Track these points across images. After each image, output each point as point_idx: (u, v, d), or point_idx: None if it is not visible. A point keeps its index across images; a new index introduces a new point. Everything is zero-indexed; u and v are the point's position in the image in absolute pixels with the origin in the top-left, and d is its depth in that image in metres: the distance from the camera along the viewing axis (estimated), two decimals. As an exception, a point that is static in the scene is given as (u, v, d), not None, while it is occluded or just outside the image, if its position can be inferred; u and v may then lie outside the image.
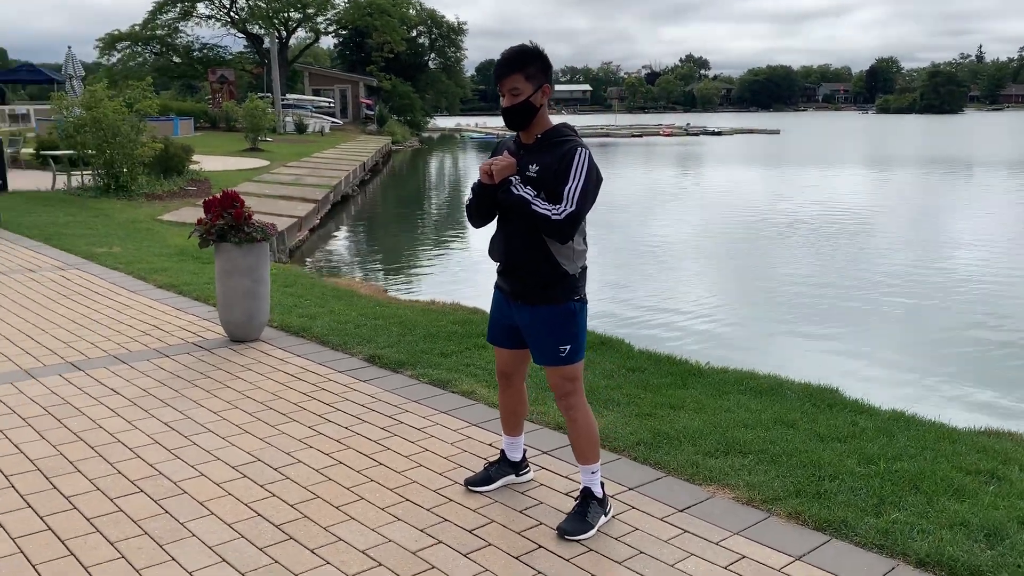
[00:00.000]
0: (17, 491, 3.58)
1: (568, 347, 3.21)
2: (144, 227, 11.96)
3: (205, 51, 51.21)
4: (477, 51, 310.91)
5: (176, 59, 50.68)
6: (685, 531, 3.30)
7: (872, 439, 4.18)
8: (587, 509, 3.28)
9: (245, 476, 3.76)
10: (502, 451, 3.70)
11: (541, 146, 3.19)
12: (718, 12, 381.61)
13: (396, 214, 22.99)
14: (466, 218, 3.43)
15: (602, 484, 3.37)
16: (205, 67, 48.87)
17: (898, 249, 15.54)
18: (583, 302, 3.27)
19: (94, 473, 3.76)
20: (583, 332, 3.29)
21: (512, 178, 3.15)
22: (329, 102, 51.77)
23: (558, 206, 3.07)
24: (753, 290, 12.15)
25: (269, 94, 42.74)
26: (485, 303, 8.49)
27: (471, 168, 40.72)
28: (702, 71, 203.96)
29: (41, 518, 3.34)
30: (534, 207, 3.07)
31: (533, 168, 3.16)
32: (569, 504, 3.45)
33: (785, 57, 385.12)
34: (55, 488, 3.60)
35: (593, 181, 3.12)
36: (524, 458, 3.71)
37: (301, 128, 40.42)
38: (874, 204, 23.11)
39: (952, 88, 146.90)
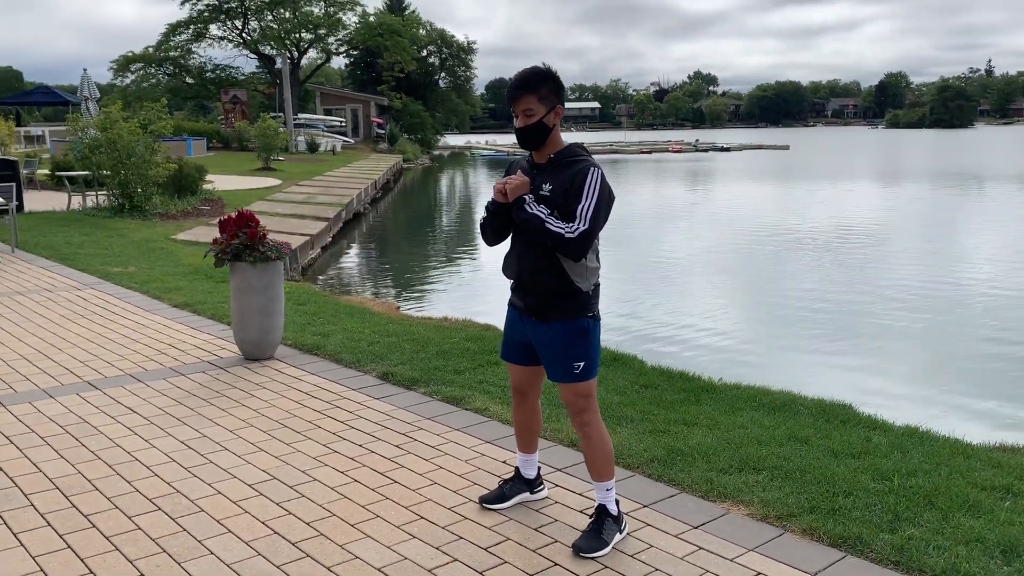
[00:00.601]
0: (36, 509, 3.61)
1: (582, 364, 3.23)
2: (159, 246, 12.05)
3: (218, 72, 51.69)
4: (487, 70, 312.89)
5: (189, 80, 51.17)
6: (700, 548, 3.30)
7: (886, 455, 4.18)
8: (602, 526, 3.29)
9: (261, 494, 3.78)
10: (516, 468, 3.72)
11: (554, 166, 3.23)
12: (728, 29, 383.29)
13: (407, 231, 23.09)
14: (480, 236, 3.47)
15: (617, 501, 3.38)
16: (218, 88, 49.35)
17: (909, 263, 15.49)
18: (596, 319, 3.30)
19: (112, 491, 3.79)
20: (597, 349, 3.31)
21: (526, 196, 3.18)
22: (341, 121, 52.15)
23: (571, 224, 3.10)
24: (764, 305, 12.13)
25: (281, 114, 43.10)
26: (497, 319, 8.51)
27: (481, 185, 40.87)
28: (710, 87, 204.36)
29: (60, 536, 3.37)
30: (548, 225, 3.11)
31: (546, 188, 3.19)
32: (584, 521, 3.46)
33: (794, 73, 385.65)
34: (74, 507, 3.64)
35: (605, 200, 3.16)
36: (539, 475, 3.73)
37: (313, 147, 40.73)
38: (885, 219, 23.05)
39: (962, 102, 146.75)
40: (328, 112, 55.23)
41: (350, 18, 52.22)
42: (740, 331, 10.55)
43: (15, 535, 3.38)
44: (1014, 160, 51.75)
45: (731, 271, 15.30)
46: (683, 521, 3.52)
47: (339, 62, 68.12)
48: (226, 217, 5.95)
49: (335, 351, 6.16)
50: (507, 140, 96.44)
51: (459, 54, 65.33)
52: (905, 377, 8.72)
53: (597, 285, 3.29)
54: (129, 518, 3.53)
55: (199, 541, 3.34)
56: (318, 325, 7.02)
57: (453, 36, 64.49)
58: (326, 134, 46.41)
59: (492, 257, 17.61)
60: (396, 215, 27.39)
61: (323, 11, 51.34)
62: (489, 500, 3.64)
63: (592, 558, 3.20)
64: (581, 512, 3.59)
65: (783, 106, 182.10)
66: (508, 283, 3.45)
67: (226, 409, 4.94)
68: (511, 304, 3.46)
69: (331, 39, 52.33)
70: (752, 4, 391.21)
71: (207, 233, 14.06)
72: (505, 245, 3.43)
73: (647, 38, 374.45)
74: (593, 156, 3.31)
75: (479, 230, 3.45)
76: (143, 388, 5.34)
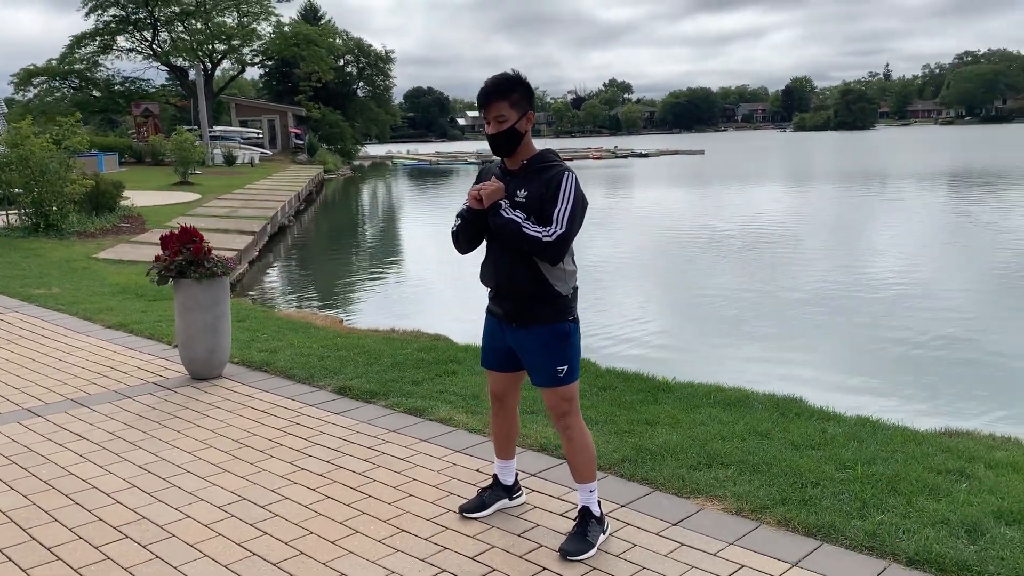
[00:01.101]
0: (-6, 544, 3.44)
1: (565, 367, 3.26)
2: (80, 266, 11.61)
3: (127, 85, 50.02)
4: (405, 78, 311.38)
5: (96, 93, 49.34)
6: (682, 544, 3.36)
7: (844, 445, 4.32)
8: (587, 528, 3.32)
9: (232, 515, 3.68)
10: (495, 476, 3.71)
11: (527, 171, 3.24)
12: (641, 37, 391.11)
13: (334, 244, 22.79)
14: (452, 244, 3.43)
15: (599, 502, 3.41)
16: (127, 101, 47.79)
17: (823, 261, 16.15)
18: (576, 322, 3.33)
19: (73, 522, 3.63)
20: (578, 352, 3.34)
21: (501, 202, 3.18)
22: (258, 133, 51.17)
23: (548, 228, 3.12)
24: (692, 305, 12.42)
25: (195, 127, 42.03)
26: (441, 328, 8.53)
27: (405, 195, 40.66)
28: (625, 95, 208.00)
29: (24, 571, 3.21)
30: (525, 229, 3.12)
31: (521, 193, 3.21)
32: (565, 524, 3.49)
33: (705, 79, 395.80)
34: (34, 539, 3.47)
35: (580, 204, 3.19)
36: (516, 481, 3.73)
37: (230, 160, 39.81)
38: (798, 219, 23.89)
39: (863, 105, 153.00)
40: (244, 124, 54.12)
41: (264, 28, 51.36)
42: (669, 330, 10.80)
43: (-25, 573, 3.21)
44: (913, 159, 54.26)
45: (658, 273, 15.62)
46: (661, 519, 3.58)
47: (253, 72, 66.78)
48: (168, 233, 5.78)
49: (285, 367, 6.04)
50: (428, 149, 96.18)
51: (377, 63, 64.88)
52: (832, 368, 9.04)
53: (575, 288, 3.32)
54: (95, 548, 3.39)
55: (175, 567, 3.23)
56: (262, 341, 6.87)
57: (371, 45, 64.12)
58: (243, 146, 45.42)
59: (422, 267, 17.61)
60: (321, 227, 27.00)
61: (236, 21, 50.34)
62: (469, 509, 3.63)
63: (579, 560, 3.22)
64: (562, 516, 3.61)
65: (695, 112, 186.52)
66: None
67: (181, 431, 4.79)
68: (489, 311, 3.46)
69: (245, 50, 51.32)
70: (663, 13, 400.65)
71: (130, 251, 13.60)
72: (480, 253, 3.42)
73: (563, 47, 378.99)
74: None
75: (451, 237, 3.40)
76: (89, 413, 5.13)
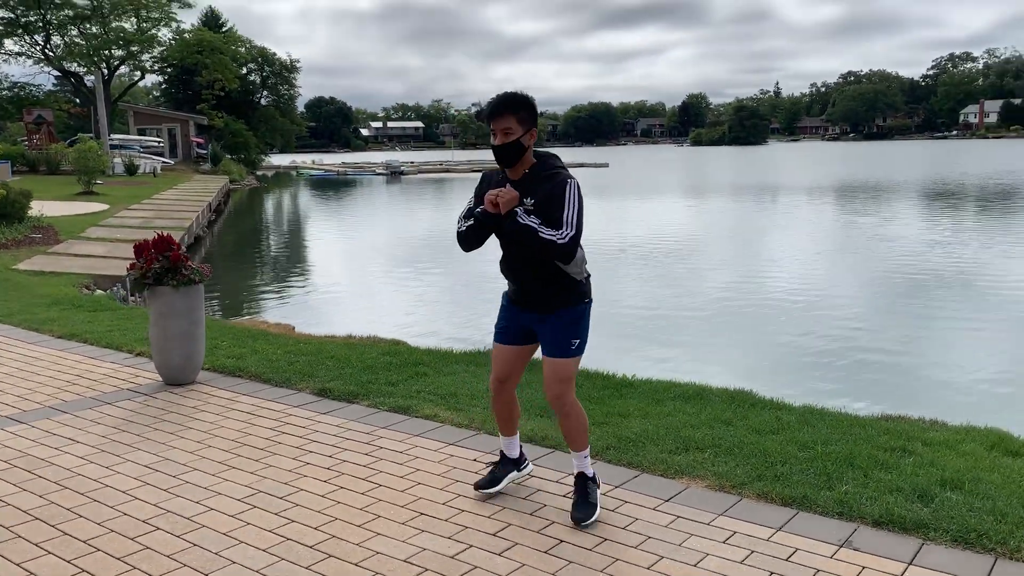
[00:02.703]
0: (28, 540, 3.53)
1: (578, 341, 3.66)
2: (2, 277, 11.27)
3: (16, 90, 47.78)
4: (310, 88, 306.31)
5: (-20, 99, 47.02)
6: (679, 516, 3.75)
7: (799, 429, 4.81)
8: (587, 491, 3.73)
9: (255, 506, 3.87)
10: (501, 452, 4.03)
11: (532, 179, 3.58)
12: (546, 52, 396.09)
13: (252, 254, 22.53)
14: (458, 243, 3.73)
15: (591, 464, 3.82)
16: (17, 107, 45.67)
17: (726, 268, 17.23)
18: (590, 303, 3.73)
19: (99, 517, 3.75)
20: (588, 329, 3.73)
21: (517, 209, 3.52)
22: (158, 141, 49.73)
23: (560, 231, 3.47)
24: (606, 314, 13.02)
25: (91, 134, 40.56)
26: (392, 332, 8.74)
27: (314, 205, 40.28)
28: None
29: (69, 562, 3.34)
30: (541, 234, 3.46)
31: (529, 201, 3.55)
32: (567, 504, 3.83)
33: (606, 94, 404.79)
34: (66, 534, 3.58)
35: (583, 206, 3.56)
36: (522, 453, 4.07)
37: (132, 169, 38.55)
38: (704, 229, 25.05)
39: (756, 121, 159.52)
40: (142, 132, 52.50)
41: (165, 34, 50.02)
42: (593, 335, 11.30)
43: (18, 565, 3.31)
44: (803, 173, 57.22)
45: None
46: (654, 496, 3.96)
47: (152, 79, 64.85)
48: (143, 241, 5.85)
49: (258, 372, 6.17)
50: (333, 159, 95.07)
51: (282, 72, 63.94)
52: (740, 369, 9.71)
53: (588, 275, 3.71)
54: (131, 539, 3.53)
55: (215, 553, 3.41)
56: (225, 348, 6.95)
57: (275, 54, 63.11)
58: (143, 155, 44.10)
59: (350, 273, 17.67)
60: (235, 238, 26.57)
61: (135, 27, 48.83)
62: (483, 485, 3.94)
63: (590, 523, 3.61)
64: (565, 496, 3.94)
65: (596, 126, 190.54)
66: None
67: (175, 432, 4.90)
68: (508, 297, 3.79)
69: (145, 56, 49.85)
70: (568, 29, 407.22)
71: (50, 263, 13.24)
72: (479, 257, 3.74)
73: (469, 60, 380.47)
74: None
75: (457, 237, 3.70)
76: (73, 419, 5.17)
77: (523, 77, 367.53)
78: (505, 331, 3.82)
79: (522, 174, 3.60)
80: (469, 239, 3.67)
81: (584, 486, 3.75)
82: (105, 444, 4.71)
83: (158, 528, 3.64)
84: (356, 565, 3.32)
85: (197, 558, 3.37)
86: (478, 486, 3.95)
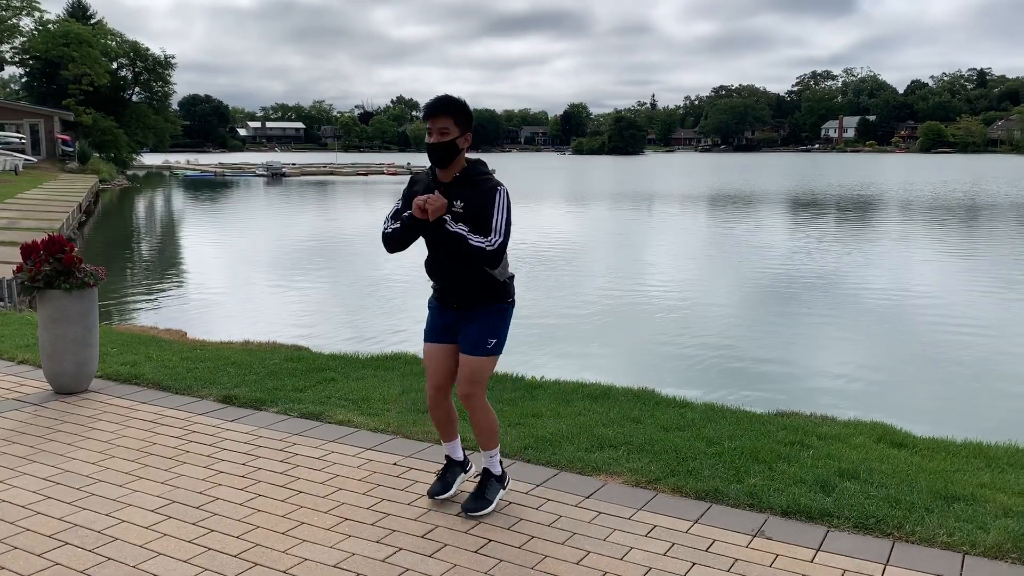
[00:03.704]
0: (-79, 561, 3.29)
1: (495, 340, 3.71)
2: None
3: None
4: (185, 85, 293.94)
5: None
6: (600, 512, 3.85)
7: (703, 426, 5.03)
8: (486, 488, 3.82)
9: (170, 517, 3.73)
10: (447, 456, 4.04)
11: (462, 183, 3.63)
12: (432, 57, 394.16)
13: (125, 257, 21.52)
14: (383, 244, 3.74)
15: (500, 463, 3.88)
16: None
17: (607, 274, 17.89)
18: (512, 304, 3.79)
19: (0, 533, 3.54)
20: (507, 331, 3.77)
21: (446, 216, 3.55)
22: (20, 138, 46.73)
23: (489, 237, 3.53)
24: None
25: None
26: (290, 338, 8.56)
27: (189, 207, 38.82)
28: (413, 112, 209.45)
29: (-29, 582, 3.13)
30: (470, 241, 3.52)
31: (459, 204, 3.59)
32: (501, 503, 3.88)
33: (491, 102, 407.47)
34: (-36, 553, 3.36)
35: (511, 212, 3.63)
36: (465, 456, 4.09)
37: (-10, 166, 36.14)
38: (587, 235, 25.76)
39: (634, 132, 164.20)
40: (0, 127, 49.23)
41: (27, 23, 47.16)
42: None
43: (-87, 588, 3.09)
44: (679, 183, 59.52)
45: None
46: (574, 493, 4.06)
47: (11, 71, 60.85)
48: (31, 242, 5.53)
49: (155, 379, 5.94)
50: (209, 160, 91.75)
51: (155, 68, 61.20)
52: (633, 365, 10.05)
53: (512, 276, 3.78)
54: (38, 556, 3.34)
55: (133, 567, 3.27)
56: (115, 355, 6.65)
57: (148, 49, 60.30)
58: (2, 152, 41.41)
59: (236, 278, 17.15)
60: (107, 241, 25.30)
61: (-8, 14, 45.88)
62: (436, 492, 3.94)
63: (479, 516, 3.70)
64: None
65: (481, 133, 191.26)
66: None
67: (73, 443, 4.66)
68: (435, 300, 3.81)
69: (4, 47, 46.79)
70: (455, 34, 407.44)
71: (-94, 264, 12.25)
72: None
73: (353, 61, 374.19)
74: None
75: (383, 239, 3.72)
76: (-45, 431, 4.83)
77: (409, 81, 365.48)
78: (432, 330, 3.84)
79: (453, 177, 3.64)
80: (394, 242, 3.70)
81: (484, 484, 3.84)
82: (-4, 457, 4.43)
83: (67, 543, 3.46)
84: (285, 572, 3.26)
85: (114, 571, 3.23)
86: (431, 494, 3.94)
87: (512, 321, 3.84)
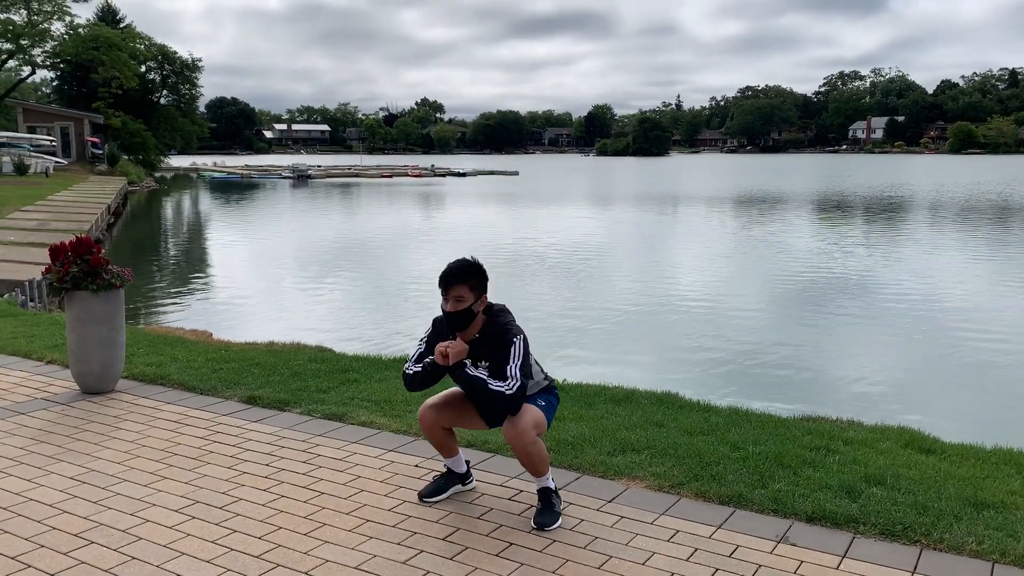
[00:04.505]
0: (-50, 558, 3.34)
1: (544, 403, 3.85)
2: None
3: None
4: (213, 87, 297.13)
5: None
6: (622, 517, 3.83)
7: (728, 430, 4.98)
8: (552, 503, 3.79)
9: (193, 517, 3.76)
10: (448, 468, 4.03)
11: (484, 342, 3.73)
12: (458, 59, 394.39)
13: (153, 258, 21.76)
14: (404, 383, 3.87)
15: (552, 480, 3.86)
16: None
17: (633, 275, 17.77)
18: (556, 398, 3.98)
19: (26, 532, 3.57)
20: (553, 410, 3.93)
21: (466, 361, 3.67)
22: (51, 140, 47.45)
23: (507, 382, 3.61)
24: (521, 319, 13.15)
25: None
26: (314, 339, 8.60)
27: (216, 209, 39.19)
28: (438, 114, 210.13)
29: (-2, 580, 3.17)
30: (490, 386, 3.64)
31: (484, 364, 3.70)
32: (516, 506, 3.88)
33: (515, 103, 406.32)
34: (-8, 551, 3.40)
35: (528, 355, 3.72)
36: (468, 470, 4.08)
37: (22, 169, 36.75)
38: (613, 236, 25.59)
39: (659, 133, 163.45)
40: (32, 130, 50.00)
41: (58, 28, 47.82)
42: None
43: (-58, 586, 3.13)
44: (703, 184, 59.15)
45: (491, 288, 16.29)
46: (597, 497, 4.04)
47: (43, 75, 61.84)
48: (59, 244, 5.60)
49: (181, 380, 5.99)
50: (235, 162, 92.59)
51: (183, 71, 61.89)
52: (662, 370, 9.99)
53: (546, 376, 3.92)
54: (64, 554, 3.38)
55: (157, 566, 3.30)
56: (142, 356, 6.72)
57: (176, 52, 60.96)
58: (34, 155, 42.04)
59: (263, 279, 17.30)
60: (137, 241, 25.60)
61: (24, 19, 46.52)
62: (427, 494, 3.94)
63: (551, 529, 3.68)
64: (510, 500, 3.98)
65: (505, 134, 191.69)
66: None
67: (99, 443, 4.71)
68: None
69: (36, 51, 47.49)
70: (480, 36, 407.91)
71: (-60, 265, 12.47)
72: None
73: (380, 63, 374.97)
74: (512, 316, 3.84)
75: (404, 378, 3.86)
76: (-16, 430, 4.90)
77: (434, 83, 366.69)
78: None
79: (472, 336, 3.73)
80: (416, 383, 3.83)
81: (549, 495, 3.81)
82: (24, 456, 4.48)
83: (93, 542, 3.50)
84: (307, 573, 3.27)
85: (138, 571, 3.25)
86: (422, 495, 3.95)
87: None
